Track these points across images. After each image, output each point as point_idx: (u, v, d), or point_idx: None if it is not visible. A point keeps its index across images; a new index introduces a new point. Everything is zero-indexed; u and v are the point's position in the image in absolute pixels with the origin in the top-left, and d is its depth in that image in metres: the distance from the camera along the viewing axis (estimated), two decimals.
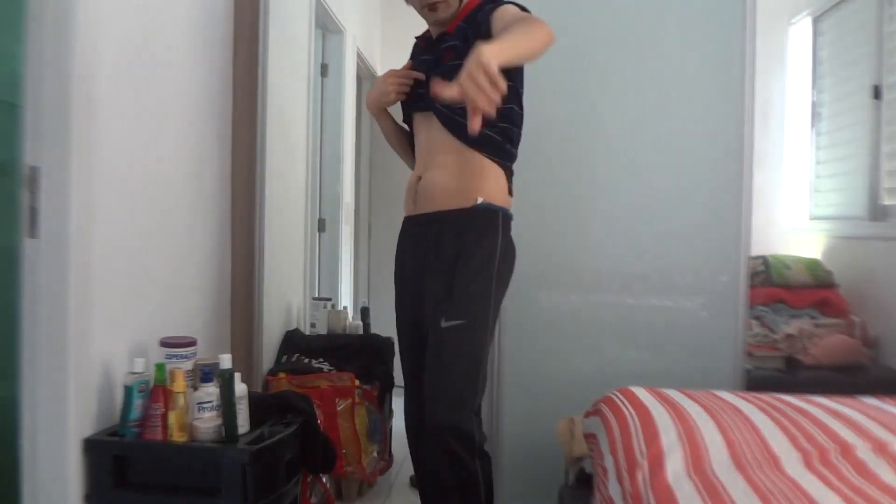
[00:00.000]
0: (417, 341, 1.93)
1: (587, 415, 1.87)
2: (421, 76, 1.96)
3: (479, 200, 1.87)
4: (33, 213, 1.64)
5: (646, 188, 2.48)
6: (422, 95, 1.95)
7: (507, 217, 1.93)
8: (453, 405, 1.78)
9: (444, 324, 1.78)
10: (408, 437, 2.07)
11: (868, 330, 2.91)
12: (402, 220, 2.04)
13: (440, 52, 1.92)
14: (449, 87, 1.40)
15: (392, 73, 2.02)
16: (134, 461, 1.74)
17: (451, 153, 1.89)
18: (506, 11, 1.82)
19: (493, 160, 1.90)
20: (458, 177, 1.88)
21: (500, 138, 1.89)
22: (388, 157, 4.85)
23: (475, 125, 1.41)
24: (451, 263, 1.84)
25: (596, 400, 1.85)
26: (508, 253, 1.91)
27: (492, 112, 1.39)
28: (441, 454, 1.78)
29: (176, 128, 2.13)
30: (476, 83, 1.37)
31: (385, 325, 3.32)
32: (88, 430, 1.73)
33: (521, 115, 1.94)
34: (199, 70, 2.27)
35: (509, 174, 1.95)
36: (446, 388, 1.79)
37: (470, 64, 1.39)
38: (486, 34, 1.78)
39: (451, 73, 1.67)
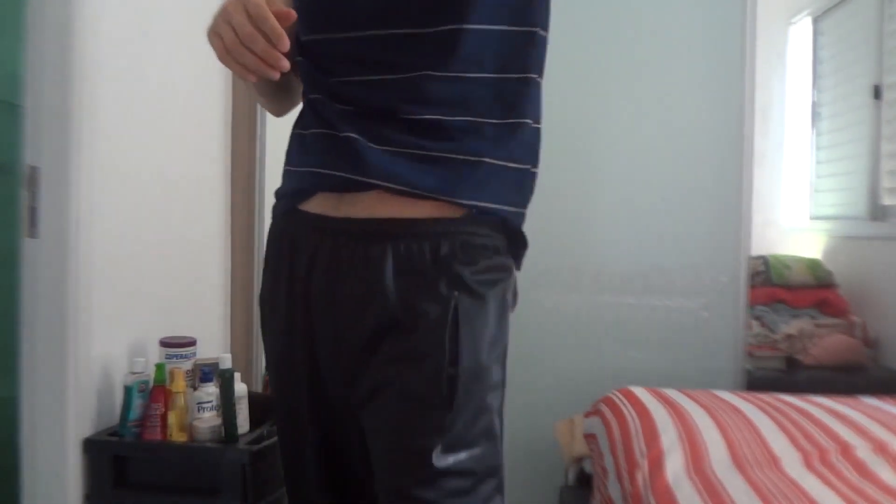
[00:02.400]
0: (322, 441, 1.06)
1: (587, 415, 1.87)
2: None
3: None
4: (33, 213, 1.64)
5: (645, 188, 2.48)
6: None
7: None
8: None
9: (439, 461, 0.91)
10: None
11: (868, 330, 2.91)
12: None
13: None
14: None
15: None
16: (134, 461, 1.74)
17: None
18: None
19: None
20: None
21: None
22: None
23: None
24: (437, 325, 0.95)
25: (596, 400, 1.85)
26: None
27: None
28: None
29: (176, 127, 2.13)
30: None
31: None
32: (88, 430, 1.73)
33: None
34: (199, 69, 2.27)
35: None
36: None
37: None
38: None
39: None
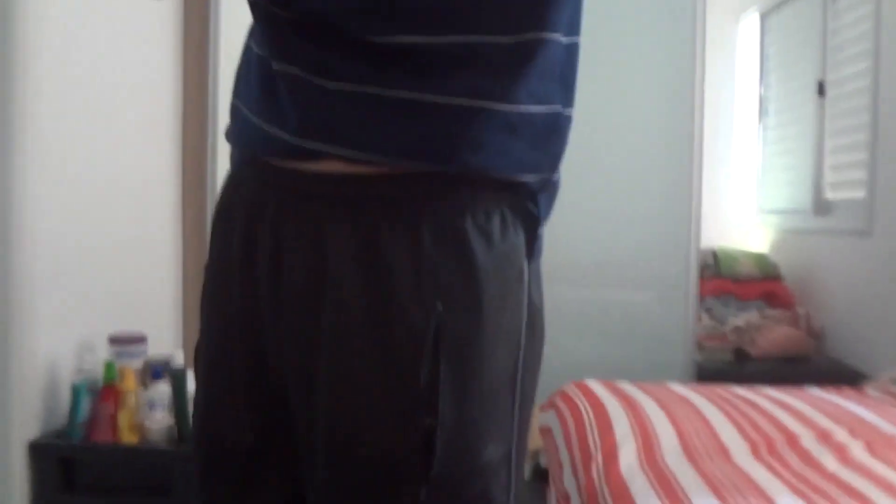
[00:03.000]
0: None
1: (542, 409, 1.89)
2: None
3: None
4: None
5: (596, 182, 2.51)
6: None
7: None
8: None
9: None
10: None
11: (813, 321, 3.00)
12: None
13: None
14: None
15: None
16: (82, 464, 1.70)
17: None
18: None
19: None
20: None
21: None
22: None
23: None
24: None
25: (551, 393, 1.87)
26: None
27: None
28: None
29: (123, 123, 2.08)
30: None
31: None
32: (33, 432, 1.68)
33: None
34: (148, 61, 2.22)
35: None
36: None
37: None
38: None
39: None
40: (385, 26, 0.64)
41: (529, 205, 0.70)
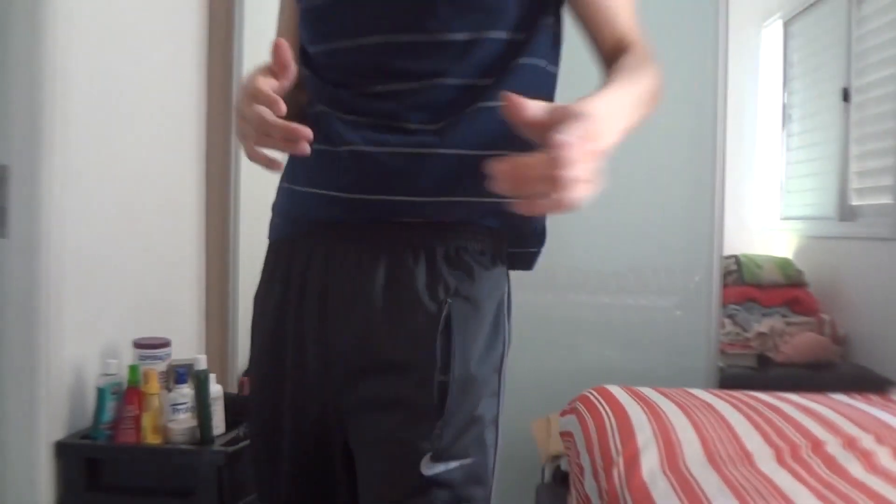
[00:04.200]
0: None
1: (563, 413, 1.88)
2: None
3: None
4: (3, 212, 1.62)
5: (619, 188, 2.49)
6: None
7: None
8: None
9: (428, 470, 0.89)
10: None
11: (837, 328, 2.96)
12: None
13: None
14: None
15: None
16: (107, 464, 1.72)
17: None
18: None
19: None
20: None
21: None
22: None
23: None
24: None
25: (572, 399, 1.86)
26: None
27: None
28: None
29: (149, 126, 2.11)
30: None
31: None
32: (60, 433, 1.71)
33: None
34: (174, 69, 2.25)
35: None
36: None
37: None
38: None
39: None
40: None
41: (504, 244, 0.99)
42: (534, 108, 0.69)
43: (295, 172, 1.01)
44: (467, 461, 0.90)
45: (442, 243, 0.92)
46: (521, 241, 1.03)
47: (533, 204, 0.68)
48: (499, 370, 0.97)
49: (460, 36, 0.89)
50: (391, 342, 0.90)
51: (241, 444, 1.75)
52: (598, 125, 0.72)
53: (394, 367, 0.90)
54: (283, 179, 1.07)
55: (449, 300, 0.90)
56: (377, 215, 0.92)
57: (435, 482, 0.88)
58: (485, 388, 0.93)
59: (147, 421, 1.72)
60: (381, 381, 0.91)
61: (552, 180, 0.66)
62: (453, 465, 0.89)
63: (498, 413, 0.97)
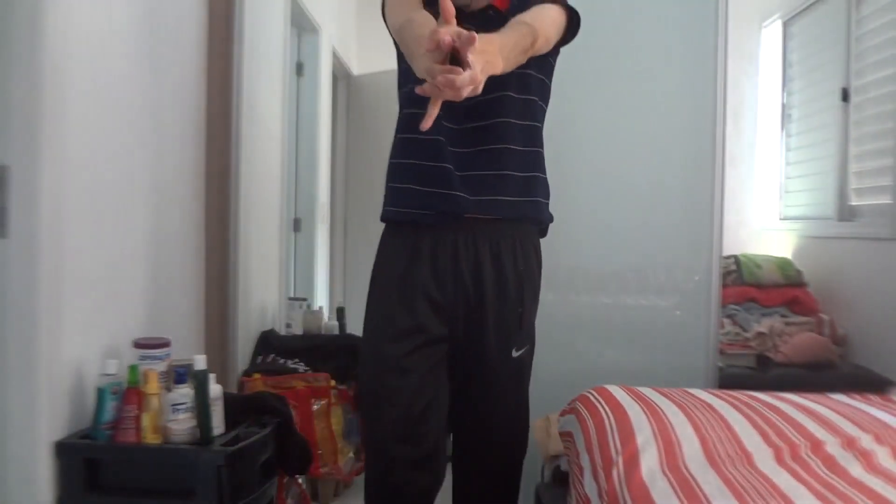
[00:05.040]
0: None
1: (563, 413, 1.88)
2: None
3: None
4: (3, 212, 1.62)
5: (619, 188, 2.50)
6: None
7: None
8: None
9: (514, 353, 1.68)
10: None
11: (837, 328, 2.96)
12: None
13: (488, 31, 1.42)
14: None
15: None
16: (106, 464, 1.72)
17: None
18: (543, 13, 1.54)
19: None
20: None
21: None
22: (365, 158, 4.82)
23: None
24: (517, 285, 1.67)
25: (572, 398, 1.86)
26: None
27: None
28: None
29: (149, 126, 2.11)
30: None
31: (361, 325, 3.31)
32: (60, 432, 1.71)
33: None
34: (173, 69, 2.25)
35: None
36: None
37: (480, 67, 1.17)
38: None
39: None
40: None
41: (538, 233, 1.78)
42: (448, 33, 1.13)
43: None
44: (528, 348, 1.70)
45: (520, 238, 1.69)
46: (544, 226, 1.79)
47: (440, 95, 1.16)
48: (537, 298, 1.73)
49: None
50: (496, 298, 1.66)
51: (241, 444, 1.75)
52: (491, 59, 1.26)
53: (504, 312, 1.65)
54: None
55: (524, 271, 1.67)
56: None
57: (518, 358, 1.68)
58: (533, 316, 1.71)
59: (147, 421, 1.72)
60: (497, 319, 1.65)
61: (461, 89, 1.15)
62: (524, 350, 1.69)
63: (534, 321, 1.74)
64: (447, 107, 1.29)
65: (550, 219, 1.78)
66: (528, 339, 1.71)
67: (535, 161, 1.69)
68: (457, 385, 1.68)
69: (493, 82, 1.35)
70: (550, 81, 1.75)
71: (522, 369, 1.71)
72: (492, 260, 1.63)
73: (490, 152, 1.62)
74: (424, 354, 1.61)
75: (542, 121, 1.72)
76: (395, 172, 1.69)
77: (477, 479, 1.72)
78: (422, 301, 1.62)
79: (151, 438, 1.72)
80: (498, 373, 1.67)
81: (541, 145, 1.72)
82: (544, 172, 1.73)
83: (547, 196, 1.74)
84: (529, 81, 1.65)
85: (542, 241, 1.78)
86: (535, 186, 1.69)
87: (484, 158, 1.62)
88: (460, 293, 1.63)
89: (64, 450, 1.69)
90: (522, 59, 1.45)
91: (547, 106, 1.74)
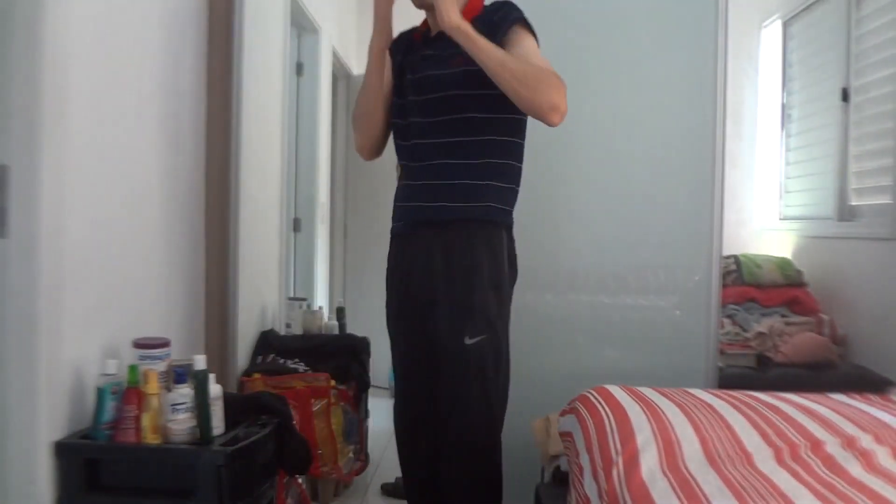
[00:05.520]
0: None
1: (563, 413, 1.88)
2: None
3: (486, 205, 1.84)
4: (3, 212, 1.62)
5: (620, 188, 2.50)
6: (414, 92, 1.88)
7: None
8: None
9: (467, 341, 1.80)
10: (405, 439, 1.99)
11: (837, 328, 2.96)
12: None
13: (449, 53, 1.80)
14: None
15: None
16: (106, 464, 1.72)
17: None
18: (525, 43, 1.78)
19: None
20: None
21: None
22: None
23: None
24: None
25: (571, 398, 1.86)
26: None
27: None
28: (466, 475, 1.84)
29: (148, 126, 2.11)
30: None
31: (360, 325, 3.32)
32: (59, 432, 1.71)
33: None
34: (173, 68, 2.25)
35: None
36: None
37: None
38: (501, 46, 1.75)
39: (462, 78, 1.79)
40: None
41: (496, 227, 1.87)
42: None
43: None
44: (484, 336, 1.79)
45: (472, 231, 1.82)
46: (501, 225, 1.87)
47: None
48: (498, 292, 1.83)
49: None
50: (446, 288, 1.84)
51: (241, 444, 1.75)
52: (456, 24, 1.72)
53: (462, 293, 1.81)
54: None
55: (474, 262, 1.81)
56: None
57: (472, 347, 1.78)
58: (491, 306, 1.81)
59: (147, 421, 1.72)
60: (450, 300, 1.82)
61: None
62: (478, 338, 1.78)
63: (500, 314, 1.84)
64: (409, 129, 1.88)
65: (503, 218, 1.87)
66: (486, 330, 1.79)
67: (485, 170, 1.83)
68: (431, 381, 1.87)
69: (443, 106, 1.81)
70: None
71: (480, 360, 1.79)
72: (443, 257, 1.83)
73: (438, 166, 1.84)
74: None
75: (493, 134, 1.84)
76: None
77: (446, 478, 1.84)
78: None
79: (151, 438, 1.72)
80: (451, 361, 1.80)
81: (496, 157, 1.84)
82: (499, 180, 1.84)
83: (501, 201, 1.85)
84: (467, 101, 1.81)
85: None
86: (486, 192, 1.82)
87: (433, 171, 1.84)
88: (419, 288, 1.86)
89: (64, 450, 1.69)
90: (496, 66, 1.67)
91: (511, 115, 1.83)
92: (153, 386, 1.73)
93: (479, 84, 1.74)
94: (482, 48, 1.68)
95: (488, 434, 1.84)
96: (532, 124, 2.46)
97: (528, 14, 1.86)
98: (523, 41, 1.78)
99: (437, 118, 1.83)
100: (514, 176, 1.88)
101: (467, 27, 1.70)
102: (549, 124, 1.68)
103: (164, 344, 1.86)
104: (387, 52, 1.92)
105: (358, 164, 4.74)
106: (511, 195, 1.88)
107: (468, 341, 1.78)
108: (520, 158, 1.90)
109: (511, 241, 1.91)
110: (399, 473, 2.06)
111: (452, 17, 1.70)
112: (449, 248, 1.82)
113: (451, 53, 1.79)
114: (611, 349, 2.50)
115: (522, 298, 2.51)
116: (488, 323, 1.80)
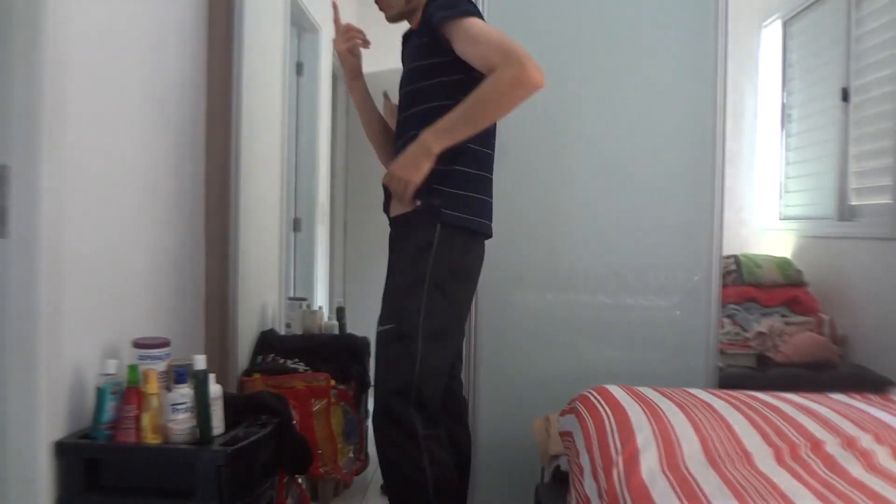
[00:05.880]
0: None
1: (563, 413, 1.88)
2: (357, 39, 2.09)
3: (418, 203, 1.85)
4: (3, 212, 1.62)
5: (620, 188, 2.50)
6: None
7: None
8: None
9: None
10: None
11: (837, 328, 2.96)
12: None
13: (406, 53, 1.98)
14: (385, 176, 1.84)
15: (340, 30, 2.09)
16: (106, 464, 1.72)
17: None
18: (458, 36, 1.75)
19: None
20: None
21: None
22: (365, 158, 4.81)
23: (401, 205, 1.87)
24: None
25: (571, 398, 1.86)
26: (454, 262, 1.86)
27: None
28: (379, 438, 1.88)
29: (148, 126, 2.11)
30: (399, 188, 1.79)
31: (360, 325, 3.31)
32: (59, 432, 1.71)
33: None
34: (173, 69, 2.25)
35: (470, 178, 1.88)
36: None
37: (399, 169, 1.79)
38: (446, 46, 1.78)
39: (407, 76, 1.92)
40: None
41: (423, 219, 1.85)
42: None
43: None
44: (391, 328, 1.83)
45: (411, 225, 1.86)
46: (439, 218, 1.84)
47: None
48: (422, 283, 1.81)
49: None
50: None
51: (241, 444, 1.75)
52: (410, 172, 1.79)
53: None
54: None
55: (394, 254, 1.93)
56: None
57: (379, 333, 1.86)
58: (399, 295, 1.84)
59: (147, 421, 1.72)
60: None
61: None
62: (385, 327, 1.84)
63: (424, 306, 1.81)
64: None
65: (439, 212, 1.84)
66: (393, 319, 1.84)
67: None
68: None
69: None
70: (449, 77, 1.83)
71: (384, 348, 1.85)
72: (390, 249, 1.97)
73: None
74: None
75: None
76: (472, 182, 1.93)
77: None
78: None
79: (151, 438, 1.72)
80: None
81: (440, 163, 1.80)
82: (438, 183, 1.82)
83: (448, 203, 1.84)
84: (414, 97, 1.89)
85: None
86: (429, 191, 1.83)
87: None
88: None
89: (64, 450, 1.69)
90: (473, 120, 1.75)
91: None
92: (153, 386, 1.74)
93: (420, 77, 1.86)
94: (458, 125, 1.72)
95: (382, 426, 1.85)
96: (532, 124, 2.47)
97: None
98: (456, 35, 1.75)
99: (402, 115, 1.96)
100: (461, 182, 1.86)
101: (430, 142, 1.74)
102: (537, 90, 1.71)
103: (164, 344, 1.86)
104: (359, 86, 2.11)
105: (358, 164, 4.74)
106: (460, 199, 1.85)
107: (379, 328, 1.88)
108: (468, 164, 1.87)
109: (451, 237, 1.85)
110: None
111: (413, 173, 1.78)
112: (393, 238, 1.99)
113: (407, 53, 1.97)
114: (611, 349, 2.50)
115: (523, 298, 2.53)
116: (397, 313, 1.85)
